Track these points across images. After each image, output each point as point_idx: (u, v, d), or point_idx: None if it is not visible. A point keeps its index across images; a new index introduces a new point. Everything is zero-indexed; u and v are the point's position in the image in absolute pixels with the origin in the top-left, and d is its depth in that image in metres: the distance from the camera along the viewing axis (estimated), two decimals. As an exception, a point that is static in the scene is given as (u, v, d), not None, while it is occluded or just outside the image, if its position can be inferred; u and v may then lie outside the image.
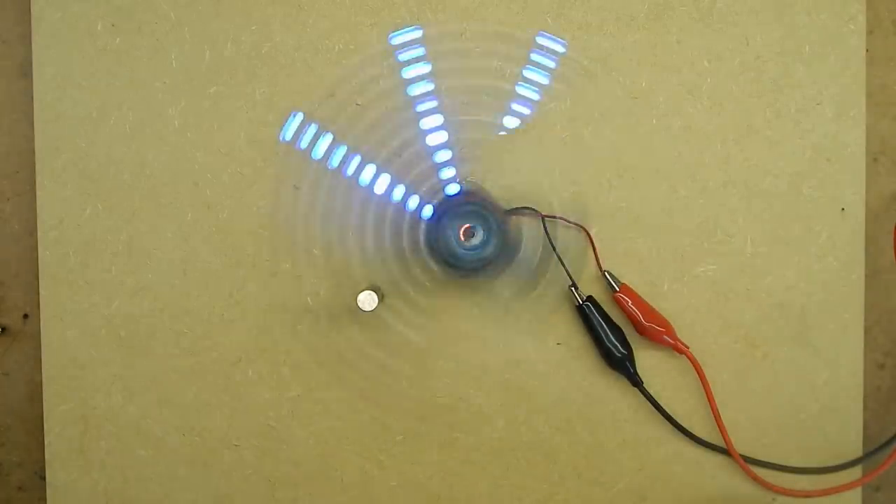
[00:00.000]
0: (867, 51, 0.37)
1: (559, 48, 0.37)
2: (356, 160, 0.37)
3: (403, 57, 0.37)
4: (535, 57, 0.37)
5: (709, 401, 0.37)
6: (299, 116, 0.36)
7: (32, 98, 0.37)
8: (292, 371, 0.38)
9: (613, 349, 0.36)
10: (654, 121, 0.37)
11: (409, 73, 0.37)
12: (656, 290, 0.37)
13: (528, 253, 0.37)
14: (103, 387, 0.38)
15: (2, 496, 0.39)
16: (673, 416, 0.37)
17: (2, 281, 0.39)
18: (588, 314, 0.36)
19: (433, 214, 0.36)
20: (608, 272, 0.37)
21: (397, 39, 0.37)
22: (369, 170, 0.37)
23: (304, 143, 0.37)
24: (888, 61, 0.38)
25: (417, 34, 0.37)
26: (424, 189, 0.37)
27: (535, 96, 0.37)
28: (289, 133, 0.36)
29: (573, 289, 0.37)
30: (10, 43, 0.38)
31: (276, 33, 0.37)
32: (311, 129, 0.37)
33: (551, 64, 0.37)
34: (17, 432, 0.39)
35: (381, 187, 0.37)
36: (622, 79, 0.37)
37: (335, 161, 0.37)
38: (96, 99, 0.37)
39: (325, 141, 0.37)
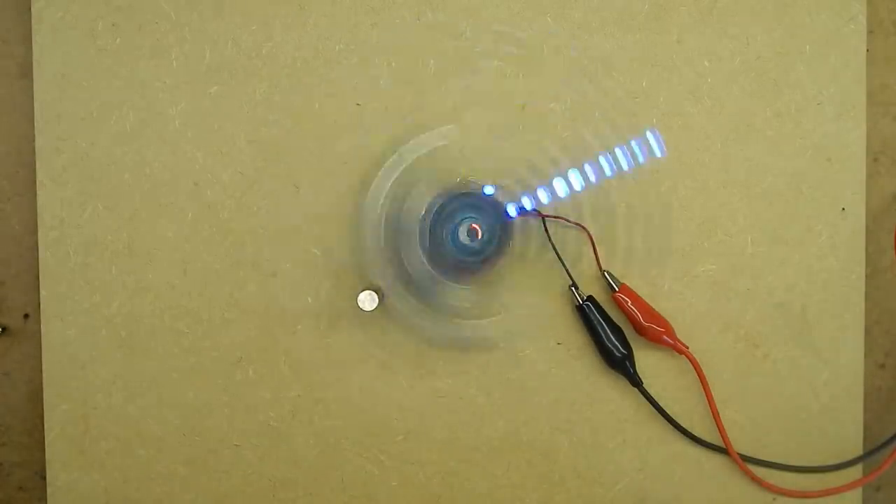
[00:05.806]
0: (867, 51, 0.37)
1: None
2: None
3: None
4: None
5: (708, 401, 0.37)
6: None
7: (32, 98, 0.37)
8: (292, 371, 0.38)
9: (613, 349, 0.36)
10: (654, 121, 0.37)
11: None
12: (656, 290, 0.37)
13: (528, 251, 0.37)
14: (103, 387, 0.38)
15: (2, 496, 0.39)
16: (673, 417, 0.37)
17: (2, 281, 0.39)
18: (588, 314, 0.36)
19: (434, 213, 0.36)
20: (608, 272, 0.37)
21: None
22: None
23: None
24: (888, 61, 0.38)
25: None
26: (426, 187, 0.37)
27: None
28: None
29: (573, 289, 0.37)
30: (10, 43, 0.38)
31: (276, 33, 0.37)
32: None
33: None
34: (17, 432, 0.39)
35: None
36: (622, 79, 0.37)
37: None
38: (96, 99, 0.37)
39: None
